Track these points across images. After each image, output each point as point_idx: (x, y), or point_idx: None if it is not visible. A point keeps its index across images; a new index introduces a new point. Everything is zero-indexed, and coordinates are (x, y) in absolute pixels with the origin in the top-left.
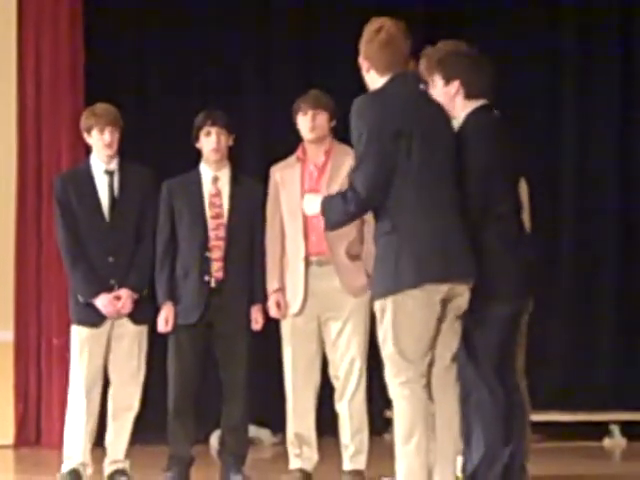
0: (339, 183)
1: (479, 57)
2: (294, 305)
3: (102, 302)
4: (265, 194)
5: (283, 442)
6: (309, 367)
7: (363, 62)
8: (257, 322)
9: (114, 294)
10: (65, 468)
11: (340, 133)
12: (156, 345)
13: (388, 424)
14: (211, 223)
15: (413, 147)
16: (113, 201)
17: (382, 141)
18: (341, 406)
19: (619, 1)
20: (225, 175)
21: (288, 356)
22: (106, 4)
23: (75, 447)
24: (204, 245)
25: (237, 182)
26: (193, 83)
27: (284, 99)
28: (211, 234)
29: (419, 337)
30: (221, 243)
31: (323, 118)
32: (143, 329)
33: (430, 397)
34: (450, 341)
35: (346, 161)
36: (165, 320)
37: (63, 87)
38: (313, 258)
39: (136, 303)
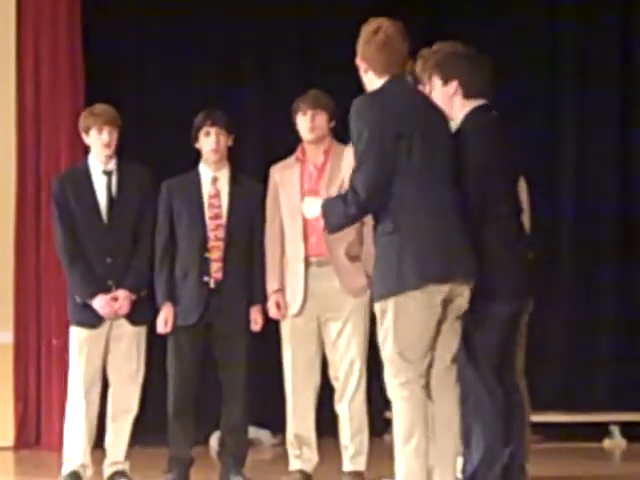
0: (338, 184)
1: (477, 57)
2: (294, 306)
3: (99, 303)
4: (264, 194)
5: (283, 443)
6: (309, 368)
7: (361, 63)
8: (256, 323)
9: (111, 295)
10: (65, 470)
11: (340, 134)
12: (155, 346)
13: (388, 425)
14: (210, 224)
15: (414, 148)
16: (111, 201)
17: (382, 142)
18: (341, 407)
19: (619, 1)
20: (224, 175)
21: (288, 357)
22: (105, 4)
23: (75, 449)
24: (203, 246)
25: (236, 182)
26: (193, 83)
27: (284, 99)
28: (210, 235)
29: (419, 338)
30: (220, 244)
31: (322, 118)
32: (141, 330)
33: (429, 397)
34: (450, 342)
35: (346, 161)
36: (164, 321)
37: (62, 87)
38: (313, 259)
39: (134, 304)
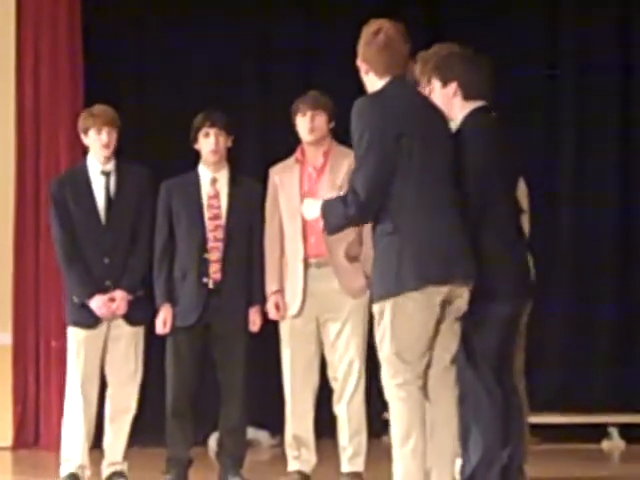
0: (337, 185)
1: (477, 58)
2: (293, 306)
3: (96, 303)
4: (264, 195)
5: (281, 444)
6: (308, 369)
7: (362, 64)
8: (255, 324)
9: (109, 295)
10: (64, 472)
11: (340, 134)
12: (154, 346)
13: (386, 426)
14: (209, 224)
15: (414, 149)
16: (109, 202)
17: (383, 143)
18: (339, 408)
19: (619, 1)
20: (224, 176)
21: (287, 358)
22: (105, 4)
23: (73, 449)
24: (202, 246)
25: (236, 183)
26: (192, 83)
27: (283, 100)
28: (209, 235)
29: (417, 338)
30: (219, 244)
31: (322, 119)
32: (139, 330)
33: (426, 398)
34: (449, 342)
35: (345, 163)
36: (163, 322)
37: (62, 88)
38: (312, 260)
39: (132, 304)
